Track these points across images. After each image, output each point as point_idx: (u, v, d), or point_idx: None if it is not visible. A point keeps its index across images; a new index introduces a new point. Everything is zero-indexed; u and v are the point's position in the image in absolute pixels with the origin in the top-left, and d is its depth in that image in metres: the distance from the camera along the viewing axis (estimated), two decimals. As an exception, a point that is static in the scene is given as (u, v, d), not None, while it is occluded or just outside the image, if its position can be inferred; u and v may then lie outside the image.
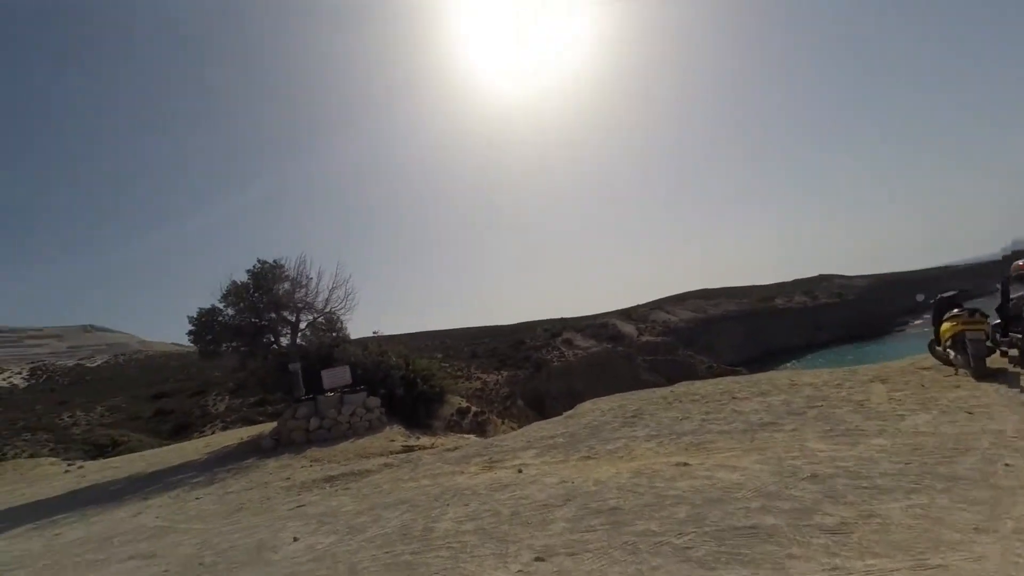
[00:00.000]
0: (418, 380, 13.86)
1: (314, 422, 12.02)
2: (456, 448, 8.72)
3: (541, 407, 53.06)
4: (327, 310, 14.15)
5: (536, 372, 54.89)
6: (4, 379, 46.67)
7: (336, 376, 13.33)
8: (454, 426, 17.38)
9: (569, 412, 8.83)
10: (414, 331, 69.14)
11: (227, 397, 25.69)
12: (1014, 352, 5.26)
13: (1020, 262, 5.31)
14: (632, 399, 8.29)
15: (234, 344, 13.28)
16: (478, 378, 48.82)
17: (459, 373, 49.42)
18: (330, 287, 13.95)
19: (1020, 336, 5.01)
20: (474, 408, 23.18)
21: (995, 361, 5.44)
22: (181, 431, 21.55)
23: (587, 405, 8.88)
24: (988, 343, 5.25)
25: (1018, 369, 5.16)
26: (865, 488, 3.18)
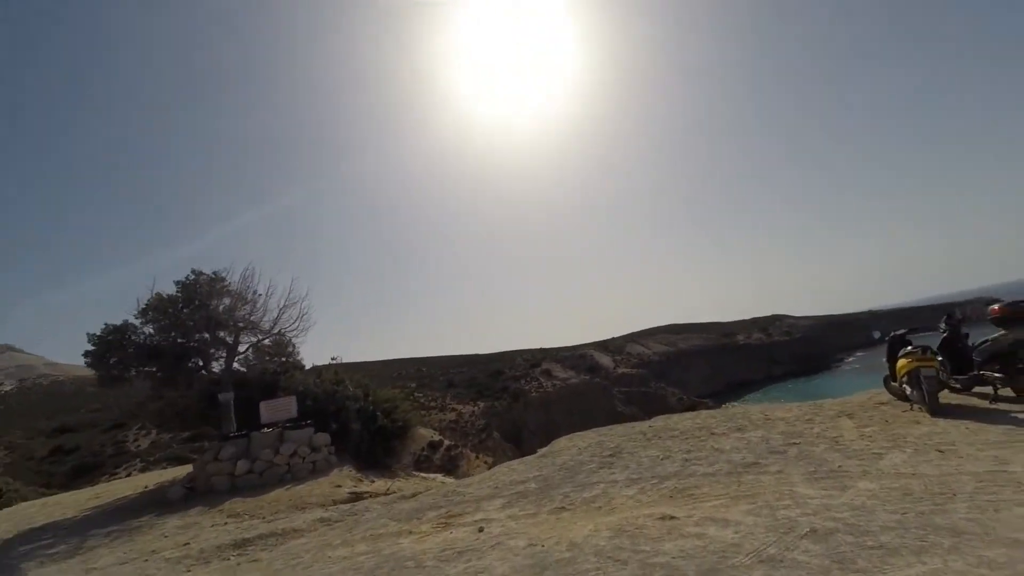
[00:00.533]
0: (378, 413, 11.59)
1: (242, 465, 9.55)
2: (413, 495, 7.14)
3: (518, 440, 50.26)
4: (275, 331, 11.85)
5: (514, 403, 52.26)
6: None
7: (278, 408, 10.94)
8: (423, 462, 14.95)
9: (543, 450, 8.15)
10: (388, 358, 65.83)
11: (153, 432, 22.20)
12: (956, 385, 5.77)
13: (995, 307, 5.66)
14: (610, 435, 7.79)
15: (147, 369, 10.78)
16: (453, 409, 45.89)
17: (433, 403, 46.41)
18: (280, 305, 11.72)
19: (998, 375, 5.30)
20: (447, 442, 20.64)
21: (944, 396, 5.69)
22: (82, 474, 18.10)
23: (563, 442, 8.19)
24: (940, 379, 5.57)
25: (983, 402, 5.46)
26: (871, 548, 2.81)
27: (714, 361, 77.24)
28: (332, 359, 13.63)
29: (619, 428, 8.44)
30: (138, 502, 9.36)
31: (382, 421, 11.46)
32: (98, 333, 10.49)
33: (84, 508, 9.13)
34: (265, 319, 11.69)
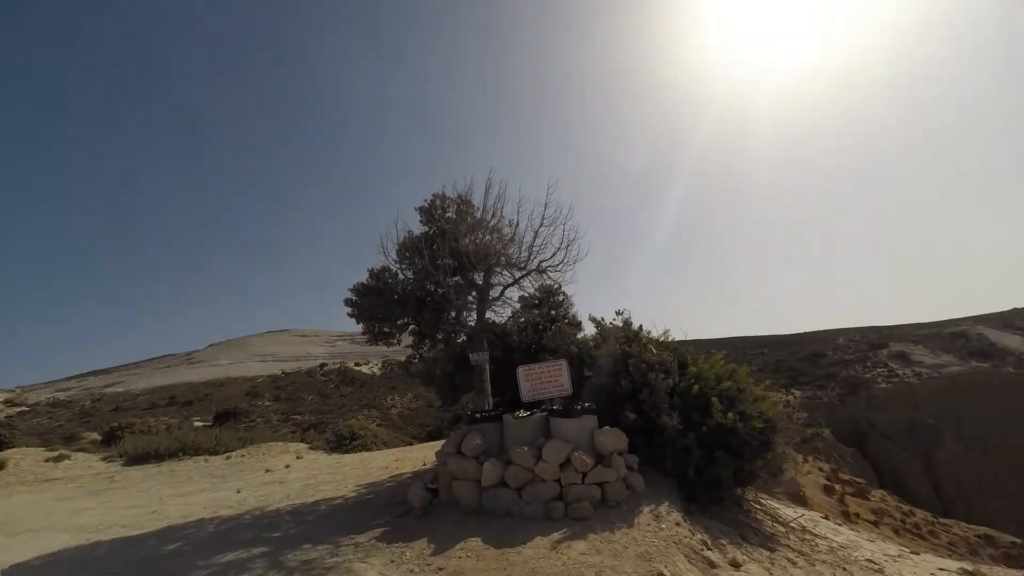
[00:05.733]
0: (713, 399, 5.45)
1: (491, 471, 5.23)
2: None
3: (861, 444, 34.16)
4: (531, 266, 7.45)
5: (849, 395, 36.04)
6: (368, 368, 60.84)
7: (543, 378, 6.34)
8: (797, 502, 7.90)
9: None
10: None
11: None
12: None
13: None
14: None
15: (405, 321, 8.10)
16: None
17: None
18: (533, 227, 7.22)
19: None
20: (826, 469, 12.40)
21: None
22: (436, 438, 18.97)
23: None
24: None
25: None
26: None
27: None
28: (617, 313, 8.38)
29: None
30: (384, 495, 6.31)
31: (724, 417, 5.24)
32: (363, 282, 8.46)
33: (354, 485, 6.77)
34: (519, 252, 7.39)
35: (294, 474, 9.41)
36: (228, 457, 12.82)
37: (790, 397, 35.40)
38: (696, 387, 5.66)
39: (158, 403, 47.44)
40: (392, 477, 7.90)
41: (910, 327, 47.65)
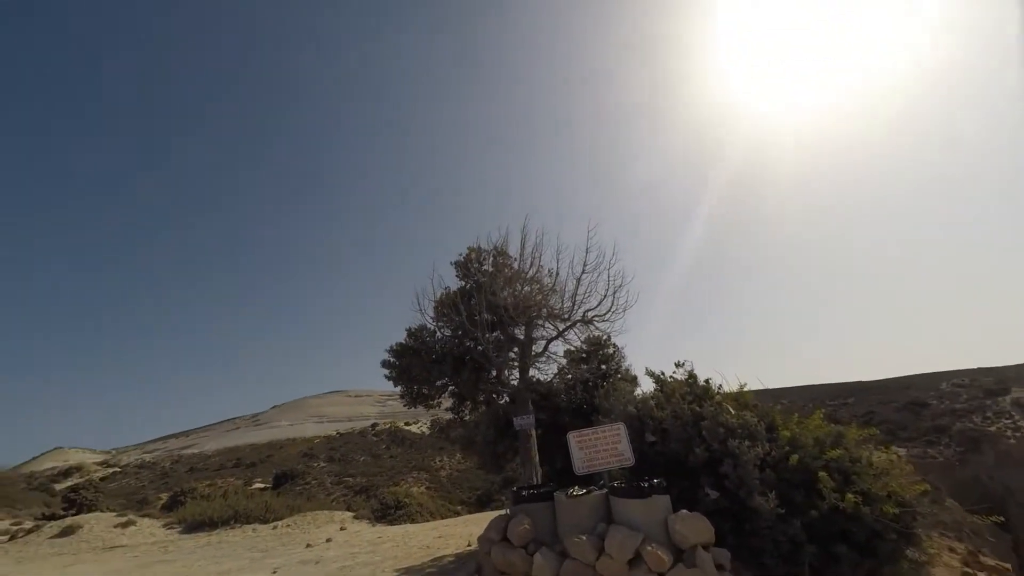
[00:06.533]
0: (817, 472, 4.22)
1: (543, 567, 4.24)
2: None
3: (1000, 511, 27.54)
4: (575, 316, 6.74)
5: (971, 453, 29.98)
6: (418, 428, 60.16)
7: (599, 446, 5.38)
8: None
9: None
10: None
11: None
12: None
13: None
14: None
15: (443, 382, 7.49)
16: (854, 457, 29.58)
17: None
18: (575, 274, 6.62)
19: None
20: (960, 550, 9.81)
21: None
22: (485, 503, 17.66)
23: None
24: None
25: None
26: None
27: None
28: (677, 365, 7.29)
29: None
30: None
31: (842, 499, 4.01)
32: (401, 342, 8.12)
33: (392, 570, 5.89)
34: (562, 302, 6.75)
35: (333, 551, 8.67)
36: (275, 527, 12.38)
37: (893, 458, 30.11)
38: (795, 457, 4.46)
39: (226, 464, 49.09)
40: (433, 560, 6.93)
41: (1019, 368, 40.22)
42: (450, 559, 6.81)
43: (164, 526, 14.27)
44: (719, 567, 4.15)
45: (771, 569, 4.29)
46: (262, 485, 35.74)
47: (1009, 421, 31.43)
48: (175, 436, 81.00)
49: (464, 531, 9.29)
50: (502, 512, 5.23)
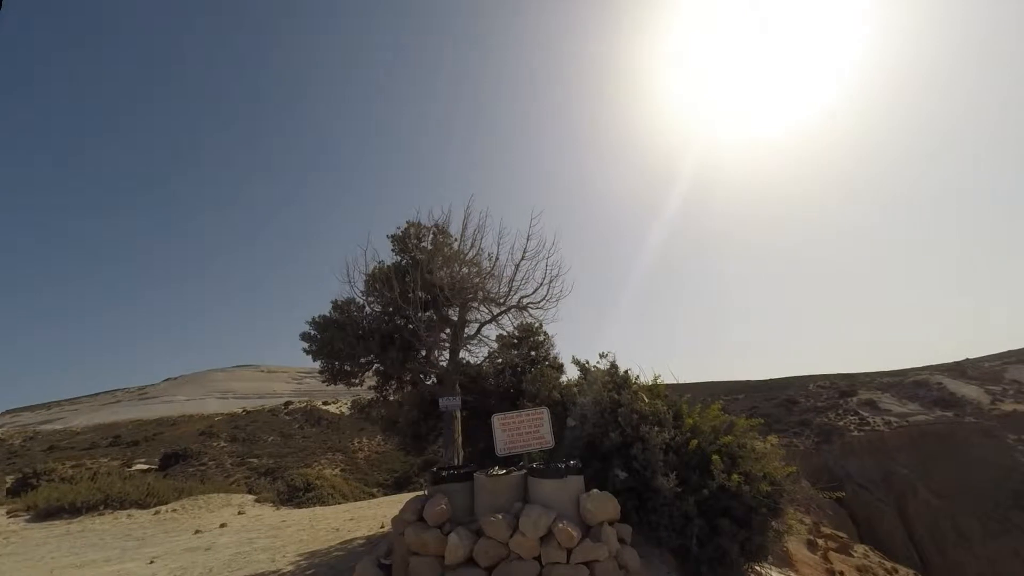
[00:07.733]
0: (713, 458, 4.72)
1: (457, 544, 4.27)
2: None
3: (840, 491, 33.39)
4: (512, 302, 6.79)
5: (824, 443, 35.75)
6: (336, 407, 57.44)
7: (522, 429, 5.51)
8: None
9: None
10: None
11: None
12: None
13: None
14: None
15: (368, 360, 7.18)
16: (737, 445, 33.71)
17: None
18: (515, 260, 6.64)
19: None
20: (807, 522, 11.62)
21: None
22: (404, 486, 17.35)
23: None
24: None
25: None
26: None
27: None
28: (601, 355, 7.70)
29: None
30: (315, 574, 5.12)
31: (728, 479, 4.51)
32: (324, 314, 7.58)
33: (295, 553, 5.52)
34: (499, 287, 6.74)
35: (227, 536, 7.95)
36: (157, 512, 11.02)
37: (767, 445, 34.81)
38: (694, 442, 4.94)
39: (99, 443, 42.83)
40: (342, 543, 6.66)
41: (875, 374, 48.64)
42: (360, 541, 6.60)
43: (8, 513, 12.06)
44: (621, 540, 4.48)
45: (665, 541, 4.73)
46: (146, 466, 31.82)
47: (855, 418, 37.82)
48: (30, 408, 68.75)
49: (378, 512, 9.05)
50: (420, 493, 5.16)
